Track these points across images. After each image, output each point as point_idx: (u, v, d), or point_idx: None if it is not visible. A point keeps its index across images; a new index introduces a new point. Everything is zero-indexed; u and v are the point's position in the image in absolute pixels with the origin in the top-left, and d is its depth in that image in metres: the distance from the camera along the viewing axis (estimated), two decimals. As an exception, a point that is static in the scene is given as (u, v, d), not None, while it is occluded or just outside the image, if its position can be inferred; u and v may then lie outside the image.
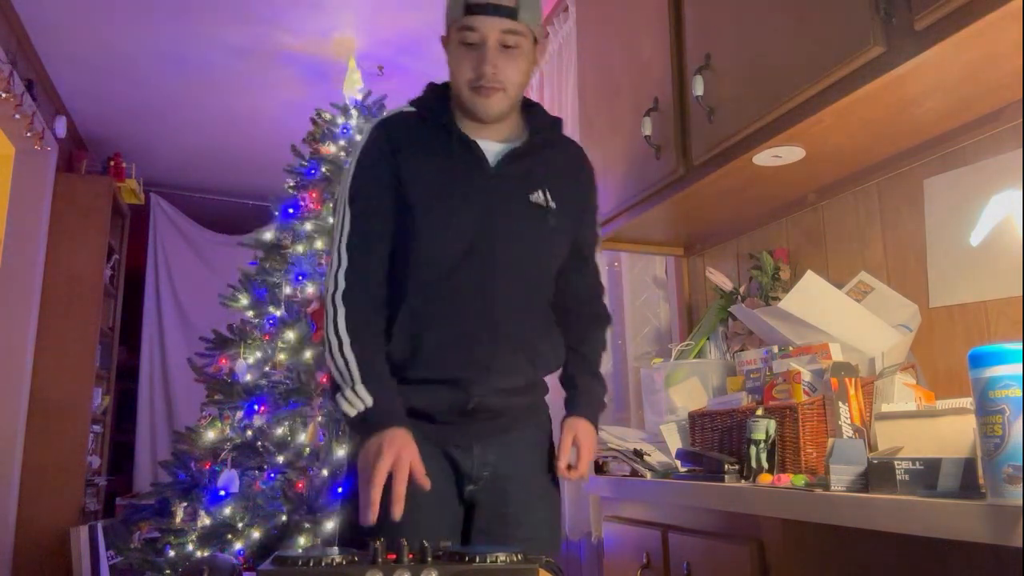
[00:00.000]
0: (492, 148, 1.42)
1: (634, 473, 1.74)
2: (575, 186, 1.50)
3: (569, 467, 1.42)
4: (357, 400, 1.28)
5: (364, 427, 1.28)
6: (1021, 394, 0.84)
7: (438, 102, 1.45)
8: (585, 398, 1.49)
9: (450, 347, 1.37)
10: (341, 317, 1.33)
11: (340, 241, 1.38)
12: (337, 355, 1.31)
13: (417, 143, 1.41)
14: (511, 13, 1.33)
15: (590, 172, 1.56)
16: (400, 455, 1.22)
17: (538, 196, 1.42)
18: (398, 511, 1.19)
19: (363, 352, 1.31)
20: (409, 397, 1.36)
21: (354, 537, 1.29)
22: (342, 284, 1.35)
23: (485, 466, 1.40)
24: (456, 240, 1.37)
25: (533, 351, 1.42)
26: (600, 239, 1.60)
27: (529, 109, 1.50)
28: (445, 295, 1.37)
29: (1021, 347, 0.86)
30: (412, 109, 1.46)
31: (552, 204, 1.43)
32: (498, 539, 1.38)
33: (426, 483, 1.24)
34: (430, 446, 1.35)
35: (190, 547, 2.81)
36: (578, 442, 1.43)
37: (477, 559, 0.97)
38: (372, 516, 1.19)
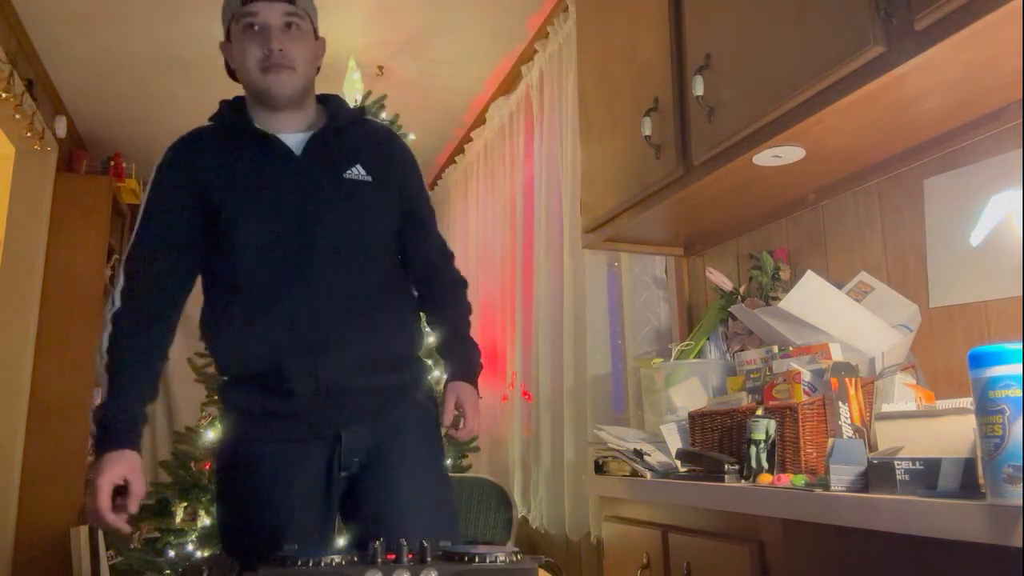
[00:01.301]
0: (295, 138, 1.47)
1: (634, 473, 1.74)
2: (390, 159, 1.56)
3: (458, 429, 1.52)
4: (91, 424, 1.34)
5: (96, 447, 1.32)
6: (1021, 394, 0.84)
7: (233, 110, 1.51)
8: (459, 362, 1.57)
9: (276, 335, 1.40)
10: (106, 335, 1.38)
11: (122, 260, 1.45)
12: (101, 373, 1.37)
13: (215, 152, 1.46)
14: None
15: (404, 147, 1.63)
16: (102, 476, 1.25)
17: (353, 172, 1.48)
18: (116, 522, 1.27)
19: (113, 370, 1.35)
20: (250, 395, 1.43)
21: (226, 544, 1.44)
22: (116, 303, 1.41)
23: (355, 452, 1.43)
24: (267, 230, 1.42)
25: (370, 321, 1.45)
26: (433, 209, 1.66)
27: (327, 100, 1.57)
28: (264, 286, 1.41)
29: (1021, 347, 0.86)
30: (209, 124, 1.54)
31: (368, 177, 1.49)
32: (384, 521, 1.39)
33: (134, 505, 1.27)
34: (281, 443, 1.41)
35: (190, 547, 2.81)
36: (461, 402, 1.51)
37: (477, 559, 0.97)
38: (104, 516, 1.26)
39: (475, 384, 1.57)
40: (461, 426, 1.52)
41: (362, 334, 1.44)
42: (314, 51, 1.50)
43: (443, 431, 1.57)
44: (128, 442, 1.31)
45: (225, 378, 1.51)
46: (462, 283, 1.66)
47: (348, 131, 1.53)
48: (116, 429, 1.31)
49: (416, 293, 1.63)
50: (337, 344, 1.41)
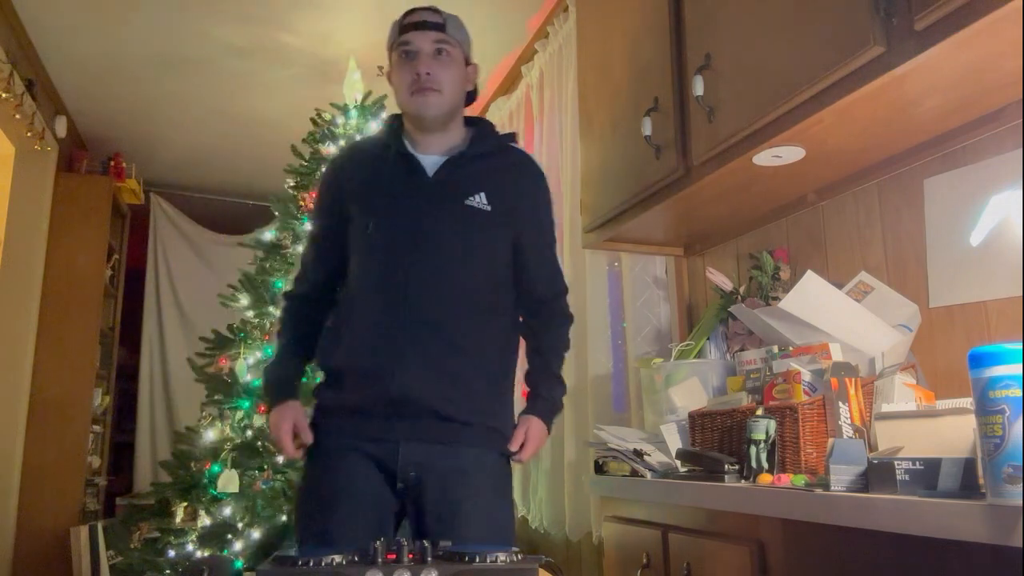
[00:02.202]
0: (432, 160, 1.58)
1: (634, 473, 1.74)
2: (514, 188, 1.61)
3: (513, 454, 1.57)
4: (264, 379, 1.66)
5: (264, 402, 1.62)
6: (1021, 394, 0.84)
7: (390, 127, 1.65)
8: (540, 398, 1.62)
9: (366, 337, 1.51)
10: (281, 309, 1.67)
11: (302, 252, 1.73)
12: (275, 339, 1.66)
13: (363, 164, 1.64)
14: (439, 27, 1.57)
15: (536, 178, 1.67)
16: (278, 426, 1.54)
17: (474, 200, 1.55)
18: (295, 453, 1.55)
19: (283, 337, 1.65)
20: (334, 392, 1.55)
21: (300, 534, 1.54)
22: (290, 285, 1.72)
23: (410, 466, 1.47)
24: (383, 242, 1.53)
25: (460, 340, 1.50)
26: (555, 240, 1.71)
27: (477, 124, 1.66)
28: (371, 294, 1.53)
29: (1021, 347, 0.86)
30: (374, 136, 1.71)
31: (488, 207, 1.55)
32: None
33: (307, 438, 1.53)
34: (349, 441, 1.50)
35: (190, 547, 2.81)
36: (527, 436, 1.57)
37: (477, 559, 0.97)
38: (290, 453, 1.55)
39: (549, 422, 1.61)
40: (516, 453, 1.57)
41: (443, 356, 1.49)
42: (464, 76, 1.61)
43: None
44: (291, 393, 1.59)
45: (318, 379, 1.64)
46: (566, 318, 1.69)
47: (484, 158, 1.60)
48: (283, 383, 1.61)
49: (521, 319, 1.67)
50: (417, 359, 1.47)
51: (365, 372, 1.49)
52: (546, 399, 1.62)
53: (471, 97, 1.66)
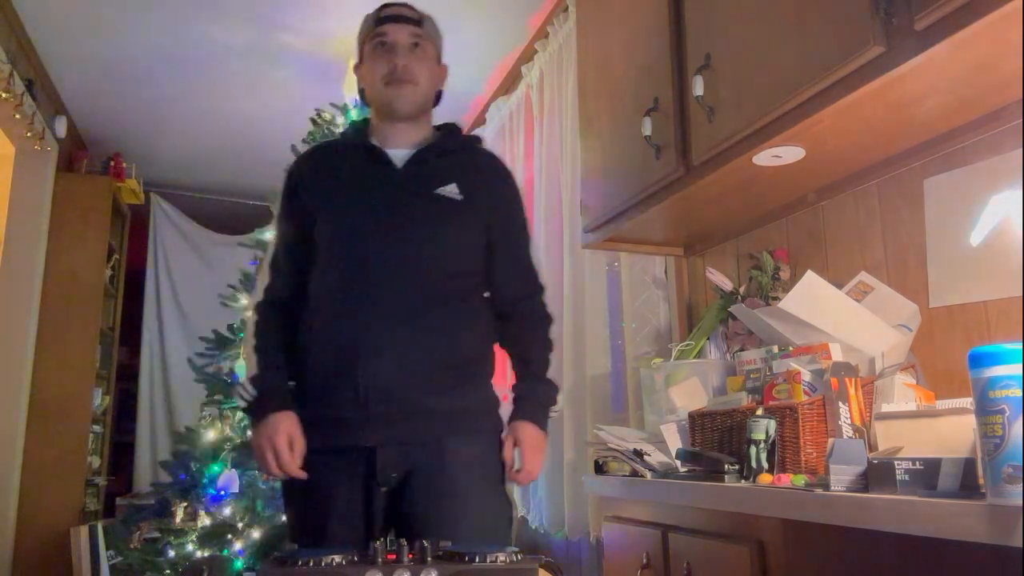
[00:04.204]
0: (401, 153, 1.56)
1: (634, 473, 1.74)
2: (488, 184, 1.60)
3: (518, 470, 1.50)
4: (245, 392, 1.51)
5: (250, 416, 1.50)
6: (1021, 394, 0.84)
7: (355, 126, 1.66)
8: (525, 401, 1.54)
9: (337, 333, 1.46)
10: (252, 322, 1.56)
11: (266, 260, 1.64)
12: (249, 353, 1.54)
13: (326, 163, 1.62)
14: (416, 22, 1.58)
15: (505, 176, 1.66)
16: (273, 440, 1.43)
17: (445, 189, 1.53)
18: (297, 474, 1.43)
19: (263, 348, 1.53)
20: (308, 396, 1.49)
21: (292, 534, 1.51)
22: (259, 296, 1.60)
23: (389, 469, 1.43)
24: (349, 237, 1.50)
25: (429, 335, 1.45)
26: (531, 240, 1.67)
27: (446, 126, 1.66)
28: (338, 290, 1.49)
29: (1021, 347, 0.86)
30: (336, 139, 1.69)
31: (460, 196, 1.53)
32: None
33: (302, 450, 1.43)
34: (328, 448, 1.44)
35: (190, 547, 2.81)
36: (519, 445, 1.49)
37: (477, 559, 0.97)
38: (290, 468, 1.43)
39: (542, 426, 1.53)
40: (518, 469, 1.49)
41: (417, 347, 1.44)
42: (436, 73, 1.62)
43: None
44: (288, 404, 1.48)
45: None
46: (544, 319, 1.62)
47: (454, 154, 1.59)
48: (278, 392, 1.49)
49: (496, 330, 1.60)
50: (390, 351, 1.42)
51: (338, 369, 1.44)
52: (532, 400, 1.55)
53: (438, 98, 1.66)
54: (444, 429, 1.45)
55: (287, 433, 1.43)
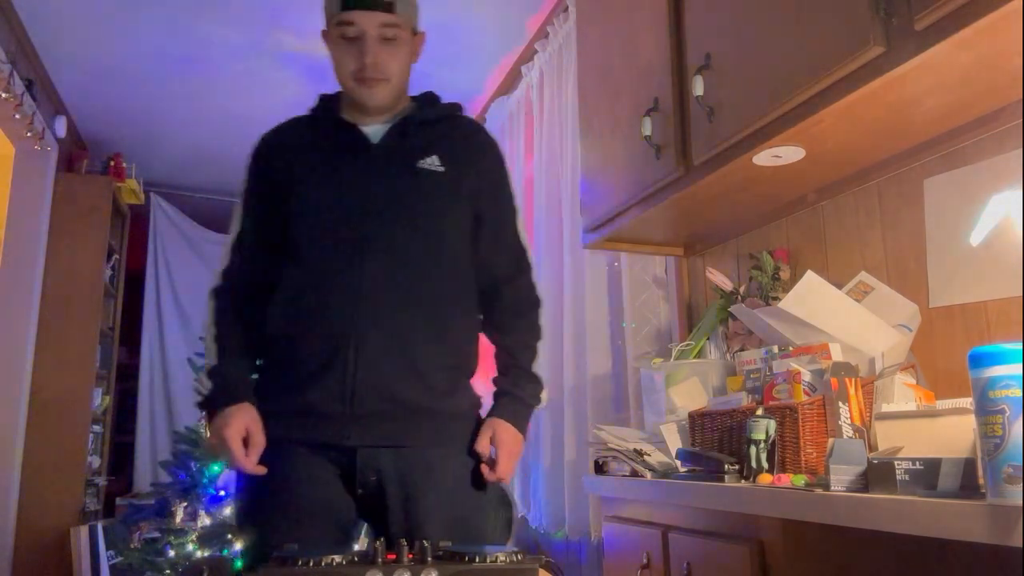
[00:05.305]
0: (375, 128, 1.45)
1: (634, 473, 1.74)
2: (468, 152, 1.47)
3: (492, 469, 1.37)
4: (202, 384, 1.40)
5: (204, 410, 1.40)
6: (1021, 394, 0.84)
7: (326, 101, 1.51)
8: (507, 398, 1.42)
9: (313, 321, 1.34)
10: (211, 309, 1.45)
11: (227, 243, 1.51)
12: (208, 343, 1.42)
13: (294, 140, 1.49)
14: (388, 7, 1.37)
15: (491, 146, 1.53)
16: (222, 434, 1.31)
17: (427, 162, 1.42)
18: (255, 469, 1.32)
19: (222, 337, 1.42)
20: (279, 388, 1.37)
21: (246, 533, 1.37)
22: (218, 280, 1.47)
23: (369, 470, 1.32)
24: (326, 217, 1.39)
25: (423, 326, 1.35)
26: (518, 215, 1.53)
27: (424, 95, 1.52)
28: (314, 272, 1.38)
29: (1021, 347, 0.86)
30: (305, 114, 1.54)
31: (441, 168, 1.42)
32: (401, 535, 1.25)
33: (260, 444, 1.32)
34: (306, 447, 1.33)
35: (190, 547, 2.82)
36: (496, 443, 1.37)
37: (477, 559, 0.97)
38: (243, 463, 1.31)
39: (521, 428, 1.41)
40: (491, 469, 1.37)
41: (403, 335, 1.33)
42: (411, 55, 1.46)
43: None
44: (246, 395, 1.37)
45: (260, 362, 1.45)
46: (533, 302, 1.49)
47: (433, 124, 1.47)
48: (234, 384, 1.38)
49: (481, 315, 1.48)
50: (373, 340, 1.32)
51: (321, 359, 1.32)
52: (514, 397, 1.42)
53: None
54: (432, 432, 1.36)
55: (240, 427, 1.31)
